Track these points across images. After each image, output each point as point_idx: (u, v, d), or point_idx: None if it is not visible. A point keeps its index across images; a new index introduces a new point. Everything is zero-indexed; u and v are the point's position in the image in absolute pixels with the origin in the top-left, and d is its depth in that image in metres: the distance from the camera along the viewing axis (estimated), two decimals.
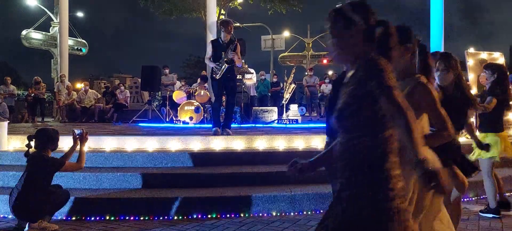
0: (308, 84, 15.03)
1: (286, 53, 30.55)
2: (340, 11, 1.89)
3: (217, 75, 6.86)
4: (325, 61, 30.56)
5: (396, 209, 1.72)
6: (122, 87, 14.85)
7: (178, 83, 13.49)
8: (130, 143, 6.28)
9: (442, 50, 10.14)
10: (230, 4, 21.91)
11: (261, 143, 6.54)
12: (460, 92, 3.43)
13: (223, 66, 6.80)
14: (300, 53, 31.16)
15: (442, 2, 10.35)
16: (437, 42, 10.33)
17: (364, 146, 1.77)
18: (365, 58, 1.81)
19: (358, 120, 1.79)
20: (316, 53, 31.42)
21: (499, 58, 9.54)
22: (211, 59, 7.00)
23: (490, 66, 4.89)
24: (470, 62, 9.26)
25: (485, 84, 5.11)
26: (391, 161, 1.77)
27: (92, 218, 4.56)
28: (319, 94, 15.48)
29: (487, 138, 4.55)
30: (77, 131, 4.33)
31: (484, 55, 9.52)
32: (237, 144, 6.47)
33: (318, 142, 6.71)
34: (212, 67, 7.02)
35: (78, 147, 4.35)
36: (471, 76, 9.12)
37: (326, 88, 15.50)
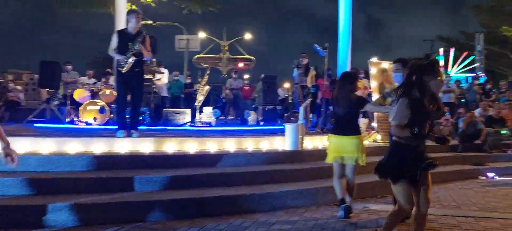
0: (232, 86, 14.89)
1: (201, 55, 30.20)
2: None
3: (123, 69, 6.41)
4: (241, 64, 30.86)
5: None
6: (11, 84, 13.42)
7: (84, 78, 12.53)
8: (22, 145, 5.58)
9: (349, 61, 10.65)
10: (142, 0, 21.02)
11: (171, 146, 6.25)
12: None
13: (131, 59, 6.39)
14: (216, 55, 31.04)
15: (350, 15, 10.87)
16: (344, 53, 10.81)
17: None
18: None
19: None
20: (233, 56, 31.53)
21: None
22: (117, 51, 6.54)
23: None
24: (373, 70, 9.84)
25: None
26: None
27: None
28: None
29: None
30: None
31: (385, 64, 10.15)
32: (145, 146, 6.11)
33: (231, 144, 6.62)
34: (118, 60, 6.55)
35: None
36: (374, 84, 9.70)
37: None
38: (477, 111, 11.51)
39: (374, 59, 10.68)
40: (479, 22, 31.77)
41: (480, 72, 23.08)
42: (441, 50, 28.96)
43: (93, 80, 12.45)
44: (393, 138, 3.50)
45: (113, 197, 4.66)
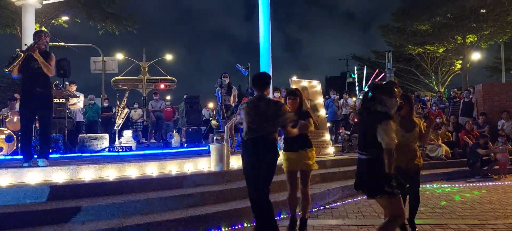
0: (154, 109, 14.40)
1: (119, 77, 29.03)
2: None
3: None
4: (162, 85, 30.15)
5: None
6: None
7: None
8: None
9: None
10: (53, 21, 19.82)
11: (87, 174, 5.84)
12: None
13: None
14: (136, 77, 30.03)
15: (270, 35, 11.17)
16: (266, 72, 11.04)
17: None
18: None
19: None
20: (153, 77, 30.73)
21: (317, 86, 10.69)
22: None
23: None
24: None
25: None
26: None
27: None
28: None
29: None
30: None
31: (305, 83, 10.52)
32: (58, 175, 5.65)
33: (154, 169, 6.36)
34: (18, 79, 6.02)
35: None
36: None
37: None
38: None
39: (294, 78, 11.01)
40: (386, 41, 34.46)
41: None
42: (356, 72, 30.86)
43: None
44: (368, 156, 3.43)
45: None
